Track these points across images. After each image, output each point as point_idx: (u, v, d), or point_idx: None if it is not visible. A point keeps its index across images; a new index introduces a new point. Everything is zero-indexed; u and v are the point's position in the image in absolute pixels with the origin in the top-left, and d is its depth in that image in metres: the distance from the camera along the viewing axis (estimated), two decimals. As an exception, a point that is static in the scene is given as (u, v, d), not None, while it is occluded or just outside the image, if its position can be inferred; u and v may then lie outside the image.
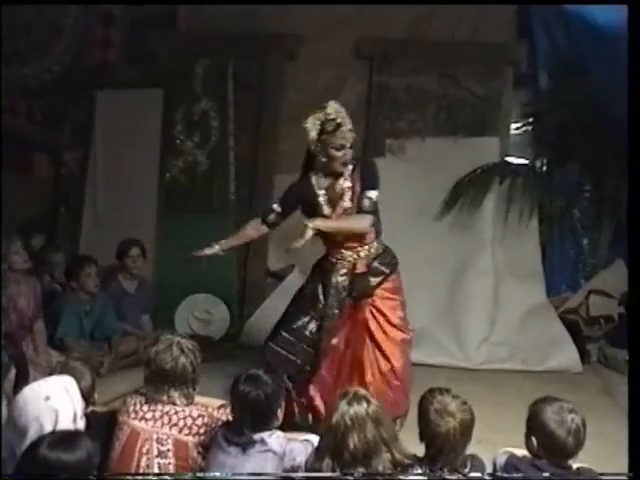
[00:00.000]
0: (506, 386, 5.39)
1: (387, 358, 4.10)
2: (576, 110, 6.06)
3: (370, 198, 4.04)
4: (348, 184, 4.11)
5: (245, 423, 2.71)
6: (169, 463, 2.81)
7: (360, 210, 4.05)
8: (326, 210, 4.12)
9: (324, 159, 4.05)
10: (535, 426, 2.74)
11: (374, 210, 4.08)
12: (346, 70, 6.73)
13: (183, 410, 2.89)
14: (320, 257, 4.33)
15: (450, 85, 6.58)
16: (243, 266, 6.65)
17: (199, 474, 2.62)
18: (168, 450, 2.81)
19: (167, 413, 2.88)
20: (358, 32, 6.61)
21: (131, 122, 6.66)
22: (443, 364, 5.78)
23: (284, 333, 4.20)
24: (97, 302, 5.49)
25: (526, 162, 6.68)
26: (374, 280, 4.14)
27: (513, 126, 6.74)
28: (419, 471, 2.53)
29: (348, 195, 4.10)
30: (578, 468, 2.78)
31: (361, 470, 2.35)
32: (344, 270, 4.14)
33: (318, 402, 4.13)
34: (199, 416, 2.88)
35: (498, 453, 2.91)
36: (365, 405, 2.41)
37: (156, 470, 2.78)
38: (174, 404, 2.90)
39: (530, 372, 5.68)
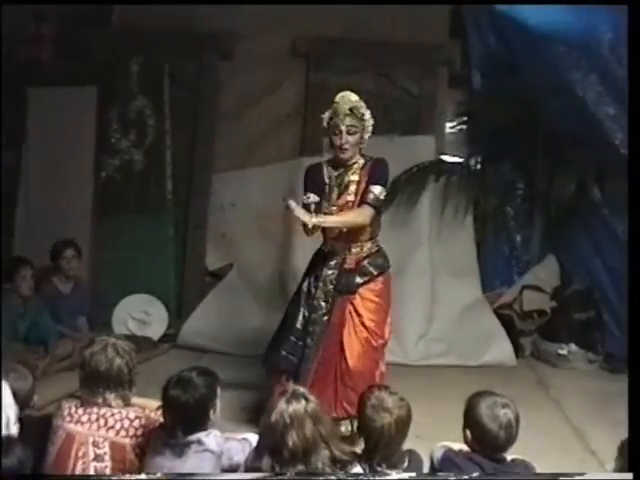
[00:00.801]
0: (444, 381, 5.47)
1: (346, 359, 4.11)
2: (508, 110, 6.17)
3: (374, 192, 4.10)
4: (355, 178, 4.19)
5: (177, 427, 2.70)
6: (105, 466, 2.78)
7: (363, 202, 4.10)
8: (332, 198, 4.20)
9: (331, 147, 4.23)
10: (470, 420, 2.79)
11: (376, 205, 4.13)
12: (283, 69, 6.73)
13: (120, 412, 2.86)
14: (316, 251, 4.37)
15: (386, 84, 6.64)
16: (181, 266, 6.60)
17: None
18: (105, 453, 2.78)
19: (103, 416, 2.84)
20: (294, 31, 6.62)
21: (65, 120, 6.53)
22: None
23: (292, 337, 4.19)
24: (31, 304, 5.40)
25: (461, 160, 6.80)
26: (359, 279, 4.17)
27: (448, 125, 6.84)
28: (358, 468, 2.55)
29: (352, 188, 4.17)
30: (513, 460, 2.84)
31: (300, 468, 2.36)
32: (333, 263, 4.20)
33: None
34: (136, 418, 2.85)
35: (435, 447, 2.95)
36: (304, 403, 2.42)
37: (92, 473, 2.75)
38: (110, 406, 2.86)
39: (467, 367, 5.78)
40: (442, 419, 4.11)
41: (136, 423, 2.84)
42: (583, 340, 6.07)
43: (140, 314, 6.31)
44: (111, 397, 2.87)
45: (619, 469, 2.45)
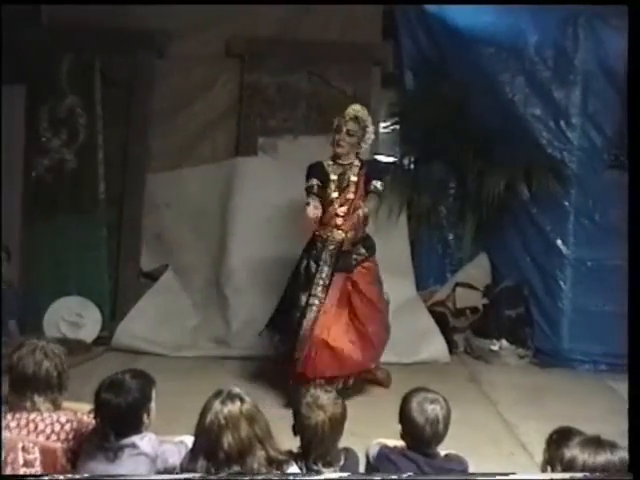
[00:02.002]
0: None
1: (362, 323, 4.91)
2: (440, 110, 6.27)
3: (376, 186, 4.95)
4: (354, 178, 4.98)
5: (109, 430, 2.67)
6: (36, 472, 2.72)
7: (368, 191, 4.94)
8: (334, 194, 4.96)
9: (332, 144, 5.00)
10: (401, 415, 2.84)
11: (379, 194, 5.00)
12: (217, 68, 6.71)
13: (50, 416, 2.80)
14: (309, 240, 5.04)
15: (320, 84, 6.68)
16: (115, 267, 6.51)
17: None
18: (35, 459, 2.72)
19: (33, 420, 2.78)
20: (228, 30, 6.60)
21: (-7, 119, 6.38)
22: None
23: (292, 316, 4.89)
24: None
25: (394, 160, 6.88)
26: (356, 258, 4.97)
27: (381, 125, 6.91)
28: (294, 467, 2.56)
29: (352, 188, 4.96)
30: (447, 455, 2.89)
31: (236, 469, 2.36)
32: (332, 247, 4.93)
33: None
34: (67, 421, 2.80)
35: (371, 444, 2.98)
36: (239, 404, 2.41)
37: (22, 481, 2.69)
38: (39, 411, 2.81)
39: (402, 364, 5.83)
40: (378, 417, 4.14)
41: (67, 427, 2.79)
42: (513, 336, 6.21)
43: (73, 317, 6.21)
44: (40, 401, 2.81)
45: (547, 461, 2.51)
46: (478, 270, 6.57)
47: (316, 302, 4.84)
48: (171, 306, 6.35)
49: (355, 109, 4.94)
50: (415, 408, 2.79)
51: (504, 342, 6.19)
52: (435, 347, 6.12)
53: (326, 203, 4.93)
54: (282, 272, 6.25)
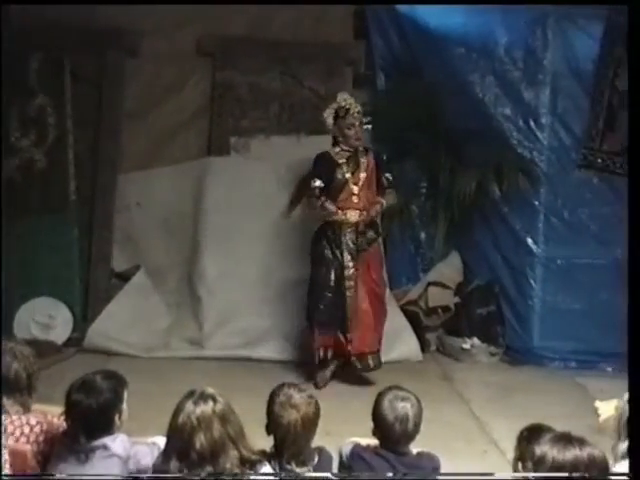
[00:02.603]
0: (353, 378, 5.51)
1: (378, 300, 5.46)
2: (411, 110, 6.31)
3: (388, 178, 5.50)
4: (363, 160, 5.38)
5: (80, 432, 2.65)
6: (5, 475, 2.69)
7: (384, 186, 5.49)
8: (347, 175, 5.32)
9: (342, 138, 5.33)
10: (374, 413, 2.86)
11: (393, 185, 5.57)
12: (188, 67, 6.67)
13: (19, 418, 2.78)
14: (320, 226, 5.43)
15: (292, 84, 6.67)
16: (86, 267, 6.45)
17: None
18: (5, 461, 2.69)
19: (1, 423, 2.76)
20: (199, 29, 6.57)
21: (-40, 119, 6.30)
22: (293, 359, 5.87)
23: (328, 294, 5.32)
24: None
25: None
26: (368, 239, 5.39)
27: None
28: (267, 467, 2.56)
29: (364, 167, 5.36)
30: (419, 453, 2.91)
31: (208, 469, 2.35)
32: (350, 229, 5.32)
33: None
34: (37, 423, 2.78)
35: (344, 443, 2.99)
36: (211, 404, 2.40)
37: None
38: (8, 413, 2.78)
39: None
40: (353, 416, 4.18)
41: (37, 429, 2.77)
42: (485, 334, 6.26)
43: (44, 318, 6.14)
44: (9, 403, 2.78)
45: (518, 458, 2.54)
46: (450, 269, 6.60)
47: (351, 284, 5.29)
48: (143, 307, 6.31)
49: (352, 102, 5.32)
50: (386, 406, 2.81)
51: (476, 340, 6.24)
52: (408, 346, 6.15)
53: (339, 186, 5.32)
54: (255, 272, 6.28)
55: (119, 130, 6.55)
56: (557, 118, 6.12)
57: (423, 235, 6.86)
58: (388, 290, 5.99)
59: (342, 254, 5.30)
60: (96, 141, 6.51)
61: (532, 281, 6.21)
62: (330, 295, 5.31)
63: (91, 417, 2.65)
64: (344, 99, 5.34)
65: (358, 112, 5.31)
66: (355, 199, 5.33)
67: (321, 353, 5.34)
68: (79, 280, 6.38)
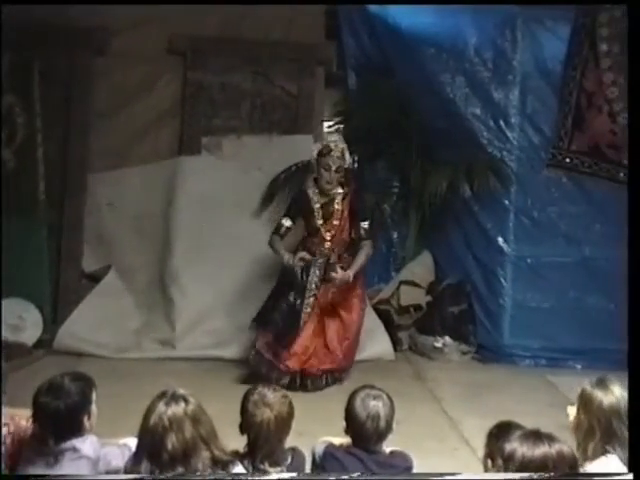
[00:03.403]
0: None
1: (345, 327, 5.46)
2: (383, 110, 6.33)
3: (365, 228, 5.46)
4: (338, 207, 5.41)
5: (48, 434, 2.62)
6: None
7: (360, 238, 5.44)
8: (319, 222, 5.41)
9: (317, 176, 5.40)
10: (346, 412, 2.87)
11: (370, 237, 5.50)
12: (159, 66, 6.63)
13: (-13, 422, 2.75)
14: (302, 238, 5.55)
15: (264, 84, 6.66)
16: (56, 268, 6.39)
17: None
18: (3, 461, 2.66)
19: (-32, 426, 2.72)
20: (170, 28, 6.53)
21: None
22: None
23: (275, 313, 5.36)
24: None
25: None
26: (342, 266, 5.36)
27: (326, 124, 6.95)
28: (239, 467, 2.55)
29: (337, 215, 5.41)
30: (391, 451, 2.93)
31: (180, 470, 2.34)
32: (321, 260, 5.38)
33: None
34: (4, 426, 2.75)
35: (317, 443, 3.00)
36: (183, 405, 2.40)
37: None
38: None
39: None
40: (325, 415, 4.16)
41: (4, 432, 2.74)
42: (456, 332, 6.30)
43: (13, 319, 6.07)
44: (-24, 407, 2.76)
45: (487, 455, 2.57)
46: (422, 268, 6.65)
47: (307, 310, 5.31)
48: (114, 307, 6.27)
49: (339, 146, 5.38)
50: (358, 404, 2.83)
51: (447, 339, 6.28)
52: (380, 345, 6.17)
53: (313, 230, 5.45)
54: (227, 272, 6.26)
55: (89, 130, 6.50)
56: (526, 118, 6.17)
57: (395, 235, 6.91)
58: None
59: (308, 280, 5.34)
60: (66, 141, 6.46)
61: (503, 280, 6.26)
62: (285, 307, 5.34)
63: (59, 419, 2.63)
64: (333, 140, 5.50)
65: (339, 157, 5.32)
66: (327, 245, 5.42)
67: (253, 354, 5.34)
68: (49, 281, 6.32)
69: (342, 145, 5.42)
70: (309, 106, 6.73)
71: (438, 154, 6.43)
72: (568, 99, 6.07)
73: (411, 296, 6.50)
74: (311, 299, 5.33)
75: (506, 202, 6.25)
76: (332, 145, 5.38)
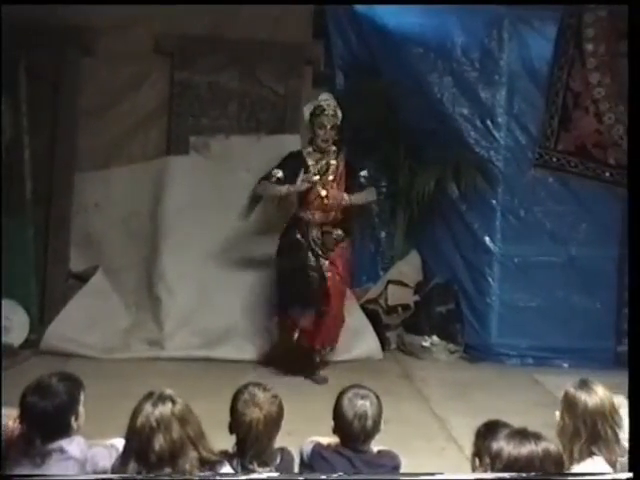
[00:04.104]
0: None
1: (337, 300, 5.45)
2: (371, 109, 6.34)
3: (365, 176, 5.47)
4: (333, 162, 5.41)
5: (35, 435, 2.61)
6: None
7: (362, 186, 5.44)
8: (315, 178, 5.35)
9: (311, 135, 5.42)
10: (334, 411, 2.88)
11: (371, 184, 5.57)
12: (147, 66, 6.62)
13: (-26, 422, 2.73)
14: (291, 217, 5.53)
15: (252, 83, 6.66)
16: (43, 268, 6.37)
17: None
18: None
19: (-46, 426, 2.71)
20: (157, 28, 6.52)
21: None
22: (253, 359, 5.86)
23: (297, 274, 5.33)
24: None
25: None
26: (336, 237, 5.42)
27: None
28: (227, 467, 2.55)
29: (332, 170, 5.40)
30: (379, 451, 2.93)
31: (167, 470, 2.34)
32: (315, 229, 5.37)
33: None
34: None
35: (305, 442, 3.00)
36: (170, 405, 2.39)
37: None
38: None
39: (335, 362, 5.88)
40: (314, 415, 4.16)
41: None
42: (444, 332, 6.32)
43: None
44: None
45: (475, 454, 2.58)
46: (409, 267, 6.66)
47: (316, 276, 5.31)
48: (102, 307, 6.25)
49: (331, 104, 5.39)
50: (346, 403, 2.83)
51: (435, 338, 6.30)
52: (368, 344, 6.18)
53: (309, 192, 5.35)
54: (215, 272, 6.25)
55: (76, 129, 6.48)
56: (513, 118, 6.21)
57: (383, 234, 6.91)
58: (348, 291, 5.96)
59: (310, 250, 5.34)
60: (53, 140, 6.43)
61: (490, 279, 6.29)
62: (302, 276, 5.32)
63: (46, 420, 2.61)
64: (324, 99, 5.43)
65: (333, 115, 5.35)
66: (323, 201, 5.38)
67: (296, 335, 5.36)
68: (36, 281, 6.29)
69: (333, 103, 5.44)
70: (297, 106, 6.71)
71: (426, 154, 6.45)
72: (554, 99, 6.10)
73: (399, 296, 6.51)
74: (313, 267, 5.33)
75: (493, 202, 6.27)
76: (324, 104, 5.39)
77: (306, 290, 5.29)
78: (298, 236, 5.37)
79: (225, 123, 6.68)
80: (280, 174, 5.37)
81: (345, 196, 5.33)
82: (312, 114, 5.41)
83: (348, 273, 5.70)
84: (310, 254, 5.35)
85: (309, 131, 5.49)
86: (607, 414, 2.61)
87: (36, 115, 6.35)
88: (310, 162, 5.42)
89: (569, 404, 2.65)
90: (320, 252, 5.37)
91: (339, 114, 5.42)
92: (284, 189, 5.36)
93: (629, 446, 2.58)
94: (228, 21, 6.63)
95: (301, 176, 5.34)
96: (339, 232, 5.45)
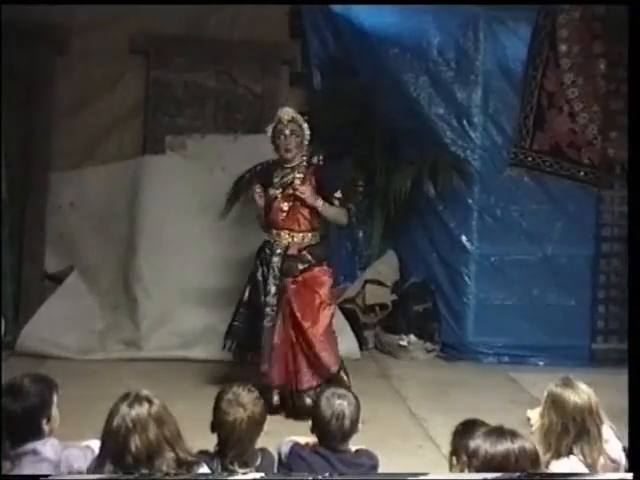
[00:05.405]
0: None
1: (305, 331, 4.77)
2: (347, 109, 6.35)
3: (339, 198, 4.95)
4: (299, 175, 4.90)
5: (5, 437, 2.58)
6: None
7: (332, 206, 4.93)
8: (277, 192, 4.89)
9: (275, 150, 4.97)
10: (312, 411, 2.89)
11: (344, 206, 5.08)
12: (122, 65, 6.59)
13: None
14: (260, 246, 4.98)
15: (228, 83, 6.65)
16: (17, 269, 6.32)
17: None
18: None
19: None
20: (132, 26, 6.50)
21: None
22: (231, 359, 5.81)
23: (240, 309, 4.99)
24: None
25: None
26: (301, 265, 4.82)
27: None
28: (204, 468, 2.54)
29: (297, 183, 4.86)
30: (357, 450, 2.94)
31: (144, 472, 2.33)
32: (279, 251, 4.82)
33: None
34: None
35: (283, 442, 3.00)
36: (147, 406, 2.37)
37: None
38: None
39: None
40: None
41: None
42: (421, 331, 6.33)
43: (-27, 321, 5.99)
44: None
45: (452, 452, 2.59)
46: (386, 267, 6.67)
47: (269, 311, 4.77)
48: (78, 308, 6.22)
49: (288, 112, 4.97)
50: (323, 403, 2.85)
51: (412, 337, 6.32)
52: (345, 344, 6.13)
53: (270, 202, 4.90)
54: (192, 272, 6.23)
55: (50, 128, 6.44)
56: (489, 118, 6.24)
57: (360, 233, 6.92)
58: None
59: (269, 277, 4.80)
60: (27, 140, 6.38)
61: (467, 278, 6.32)
62: (249, 316, 4.93)
63: (16, 422, 2.58)
64: (284, 111, 4.99)
65: (290, 121, 4.88)
66: (283, 217, 4.85)
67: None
68: (10, 282, 6.22)
69: (292, 111, 4.98)
70: (273, 105, 6.66)
71: (402, 153, 6.47)
72: (529, 99, 6.14)
73: (376, 295, 6.52)
74: (270, 297, 4.77)
75: (469, 201, 6.30)
76: (281, 114, 4.93)
77: (247, 333, 4.92)
78: (259, 268, 4.88)
79: (201, 123, 6.68)
80: (259, 189, 4.99)
81: (320, 200, 4.83)
82: (272, 130, 4.94)
83: (318, 301, 4.85)
84: (262, 291, 4.83)
85: (274, 148, 4.99)
86: (594, 410, 2.64)
87: (10, 115, 6.28)
88: (275, 179, 4.95)
89: (555, 402, 2.66)
90: (275, 284, 4.78)
91: (300, 121, 4.94)
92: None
93: (629, 446, 2.60)
94: (204, 20, 6.62)
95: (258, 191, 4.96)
96: (307, 257, 4.85)
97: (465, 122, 6.24)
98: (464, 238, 6.32)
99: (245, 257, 6.05)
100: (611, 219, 6.15)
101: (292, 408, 4.73)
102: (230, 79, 6.65)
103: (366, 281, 6.58)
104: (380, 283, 6.58)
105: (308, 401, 4.60)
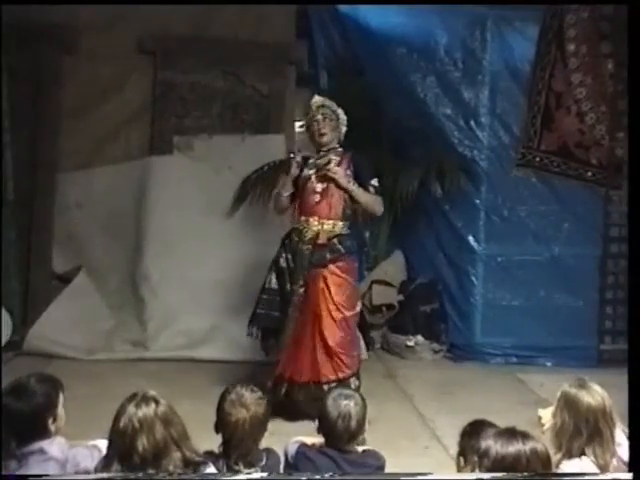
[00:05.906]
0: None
1: (323, 333, 4.60)
2: (354, 109, 6.32)
3: (375, 186, 4.82)
4: (336, 157, 4.77)
5: (11, 437, 2.58)
6: None
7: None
8: (311, 172, 4.73)
9: (311, 139, 4.85)
10: (319, 411, 2.88)
11: (380, 194, 4.89)
12: (129, 65, 6.60)
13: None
14: (286, 233, 4.81)
15: (235, 83, 6.66)
16: (25, 269, 6.33)
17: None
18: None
19: None
20: (140, 27, 6.50)
21: None
22: (238, 359, 5.84)
23: (264, 295, 4.77)
24: None
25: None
26: (330, 255, 4.64)
27: (297, 124, 6.93)
28: (211, 468, 2.54)
29: (333, 164, 4.69)
30: (364, 450, 2.93)
31: (151, 472, 2.33)
32: (307, 239, 4.65)
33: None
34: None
35: (289, 442, 3.00)
36: (154, 406, 2.38)
37: None
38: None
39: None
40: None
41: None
42: (428, 331, 6.33)
43: (-19, 321, 6.00)
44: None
45: (460, 453, 2.59)
46: (393, 267, 6.67)
47: (296, 301, 4.62)
48: (85, 308, 6.23)
49: (318, 99, 4.87)
50: (330, 403, 2.85)
51: (419, 337, 6.31)
52: (353, 344, 6.17)
53: (303, 182, 4.74)
54: (199, 272, 6.24)
55: (58, 129, 6.45)
56: (496, 118, 6.23)
57: (367, 234, 6.91)
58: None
59: (296, 265, 4.65)
60: (35, 140, 6.39)
61: (474, 278, 6.31)
62: (273, 302, 4.73)
63: (22, 422, 2.58)
64: (314, 99, 4.89)
65: (320, 106, 4.77)
66: (316, 199, 4.68)
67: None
68: (18, 282, 6.24)
69: (321, 98, 4.89)
70: (280, 106, 6.73)
71: (409, 154, 6.46)
72: (537, 99, 6.13)
73: (383, 295, 6.52)
74: (298, 285, 4.62)
75: (477, 201, 6.29)
76: (312, 103, 4.85)
77: (271, 319, 4.73)
78: (283, 256, 4.72)
79: (208, 123, 6.68)
80: (299, 158, 4.81)
81: (354, 184, 4.67)
82: (307, 119, 4.89)
83: (347, 295, 4.72)
84: (289, 279, 4.68)
85: (309, 137, 4.90)
86: (607, 413, 2.63)
87: (18, 115, 6.30)
88: (310, 159, 4.82)
89: (569, 403, 2.65)
90: (302, 274, 4.63)
91: (334, 107, 4.82)
92: (280, 182, 4.94)
93: (629, 446, 2.59)
94: (211, 21, 6.63)
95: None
96: (337, 247, 4.66)
97: (472, 122, 6.24)
98: (471, 238, 6.31)
99: (252, 256, 6.08)
100: (619, 219, 6.12)
101: (301, 401, 4.56)
102: (237, 79, 6.66)
103: (373, 281, 6.57)
104: (387, 283, 6.57)
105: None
